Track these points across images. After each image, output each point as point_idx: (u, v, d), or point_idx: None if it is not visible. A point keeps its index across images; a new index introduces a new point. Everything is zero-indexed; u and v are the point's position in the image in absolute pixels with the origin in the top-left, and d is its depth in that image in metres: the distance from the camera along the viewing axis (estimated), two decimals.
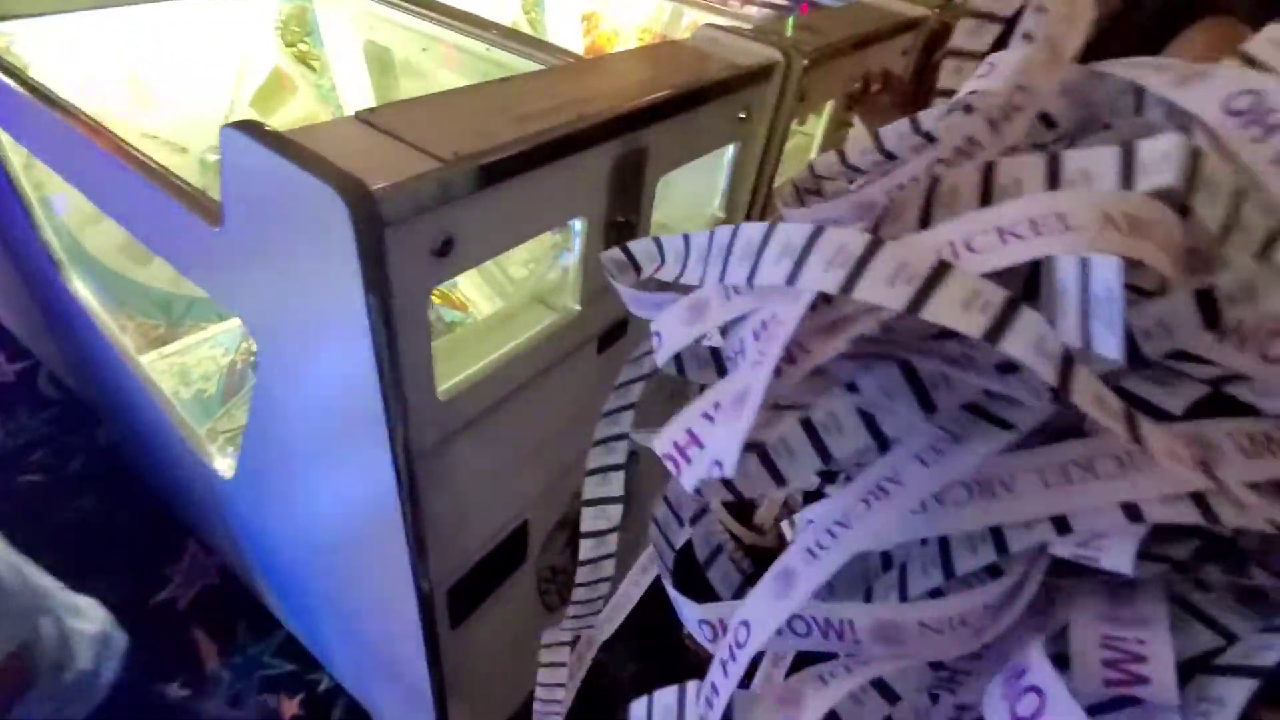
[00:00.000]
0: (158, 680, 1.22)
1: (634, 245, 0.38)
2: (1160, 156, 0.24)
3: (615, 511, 0.47)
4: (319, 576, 0.95)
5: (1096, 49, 0.45)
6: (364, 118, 0.52)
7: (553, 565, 1.06)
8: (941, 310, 0.22)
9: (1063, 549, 0.28)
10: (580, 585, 0.50)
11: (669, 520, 0.44)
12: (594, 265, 0.72)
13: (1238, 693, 0.25)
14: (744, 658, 0.31)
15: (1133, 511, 0.26)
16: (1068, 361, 0.22)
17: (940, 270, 0.23)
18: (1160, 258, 0.23)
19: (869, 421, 0.30)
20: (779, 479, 0.31)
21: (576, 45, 1.44)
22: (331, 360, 0.56)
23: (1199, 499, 0.25)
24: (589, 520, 0.47)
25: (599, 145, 0.61)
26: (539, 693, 0.58)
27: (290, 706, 1.22)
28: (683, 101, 0.71)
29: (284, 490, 0.87)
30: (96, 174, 0.71)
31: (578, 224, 0.67)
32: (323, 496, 0.78)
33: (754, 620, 0.31)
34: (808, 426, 0.31)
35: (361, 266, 0.43)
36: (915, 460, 0.29)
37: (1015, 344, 0.22)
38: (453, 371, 0.63)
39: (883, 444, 0.31)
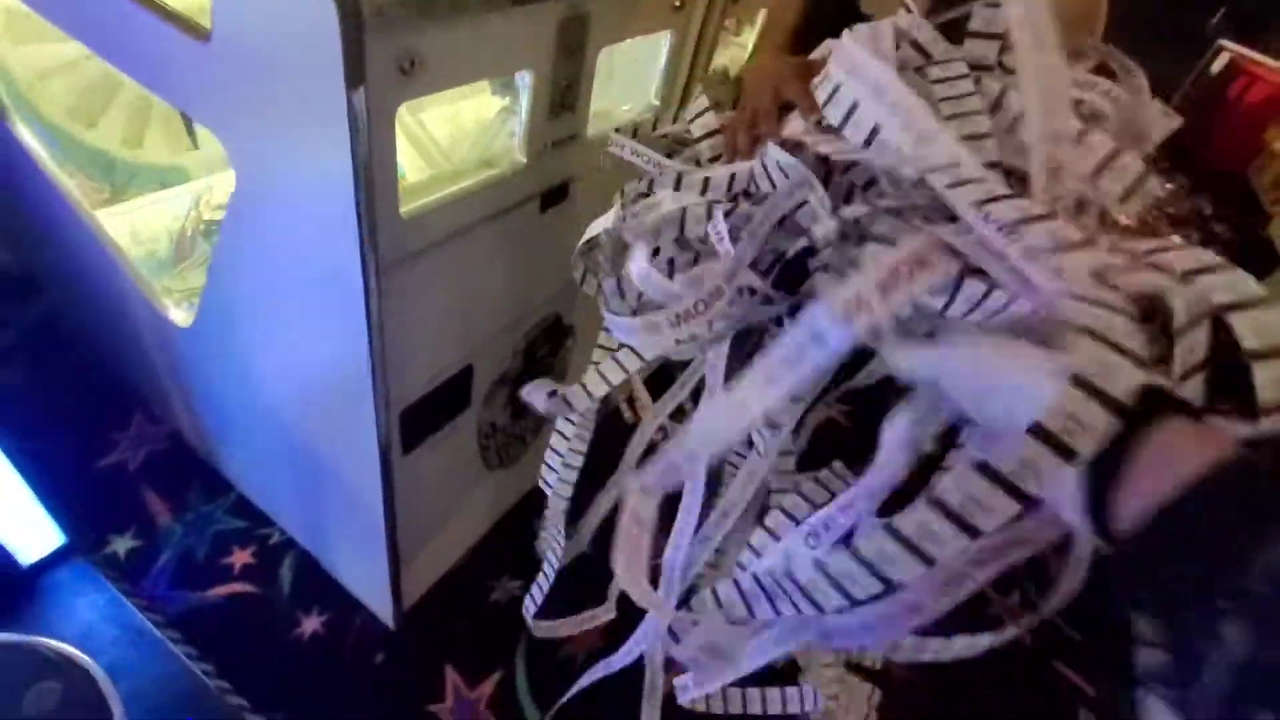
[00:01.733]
0: (109, 532, 1.28)
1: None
2: None
3: None
4: (275, 416, 1.04)
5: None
6: None
7: (493, 421, 1.17)
8: None
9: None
10: None
11: None
12: (539, 123, 0.81)
13: None
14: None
15: None
16: None
17: None
18: None
19: None
20: None
21: None
22: (310, 172, 0.64)
23: None
24: None
25: (547, 1, 0.70)
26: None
27: (242, 556, 1.31)
28: None
29: (246, 331, 0.95)
30: (84, 8, 0.74)
31: (527, 79, 0.76)
32: (289, 327, 0.87)
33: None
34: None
35: (345, 66, 0.52)
36: None
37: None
38: (412, 200, 0.72)
39: None
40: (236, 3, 0.57)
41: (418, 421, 0.92)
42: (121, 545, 1.27)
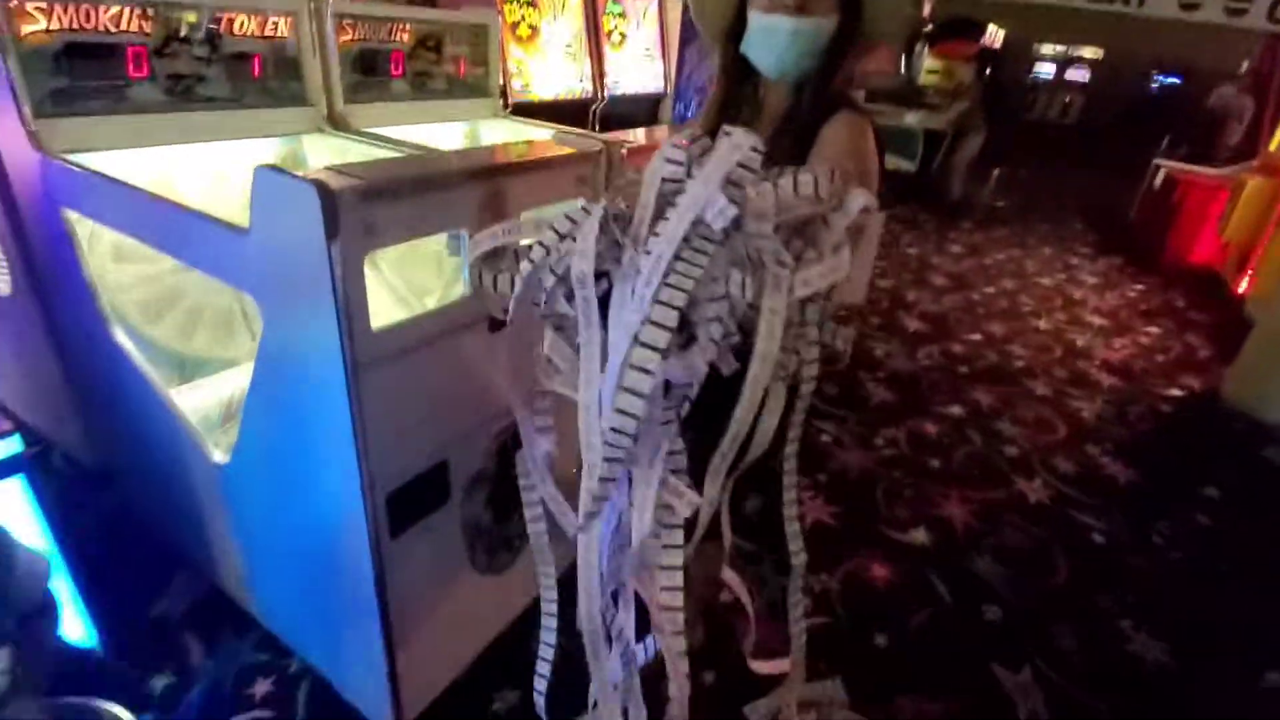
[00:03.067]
0: (150, 673, 1.44)
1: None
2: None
3: None
4: (287, 528, 1.25)
5: (776, 138, 0.92)
6: (332, 168, 0.94)
7: (477, 522, 1.36)
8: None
9: None
10: None
11: None
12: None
13: None
14: None
15: None
16: None
17: None
18: None
19: None
20: None
21: None
22: (306, 307, 0.94)
23: None
24: None
25: (471, 183, 1.04)
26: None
27: (263, 686, 1.44)
28: (531, 165, 1.16)
29: (263, 451, 1.20)
30: (159, 223, 1.12)
31: (465, 235, 1.08)
32: (290, 431, 1.12)
33: None
34: None
35: (325, 227, 0.84)
36: None
37: None
38: (382, 319, 1.01)
39: None
40: (263, 206, 0.91)
41: (402, 506, 1.13)
42: (159, 683, 1.43)
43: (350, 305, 0.91)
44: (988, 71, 10.69)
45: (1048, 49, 15.30)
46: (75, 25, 1.31)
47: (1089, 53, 15.10)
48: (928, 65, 9.23)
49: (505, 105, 2.33)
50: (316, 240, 0.85)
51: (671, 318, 0.67)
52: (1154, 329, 4.05)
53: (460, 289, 1.21)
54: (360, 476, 1.03)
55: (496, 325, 1.21)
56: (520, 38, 2.32)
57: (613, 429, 0.69)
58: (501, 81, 2.22)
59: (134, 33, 1.39)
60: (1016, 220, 6.55)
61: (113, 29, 1.36)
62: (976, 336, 3.66)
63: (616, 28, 2.63)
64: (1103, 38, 14.37)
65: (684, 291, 0.67)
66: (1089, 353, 3.61)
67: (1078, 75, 15.32)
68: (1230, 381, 3.24)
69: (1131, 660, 1.72)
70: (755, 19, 1.03)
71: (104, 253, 1.47)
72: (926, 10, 9.48)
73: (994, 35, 11.73)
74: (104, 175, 1.20)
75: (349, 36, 1.80)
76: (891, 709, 1.52)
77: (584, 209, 0.75)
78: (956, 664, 1.66)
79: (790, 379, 0.81)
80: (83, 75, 1.33)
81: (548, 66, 2.42)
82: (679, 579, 0.80)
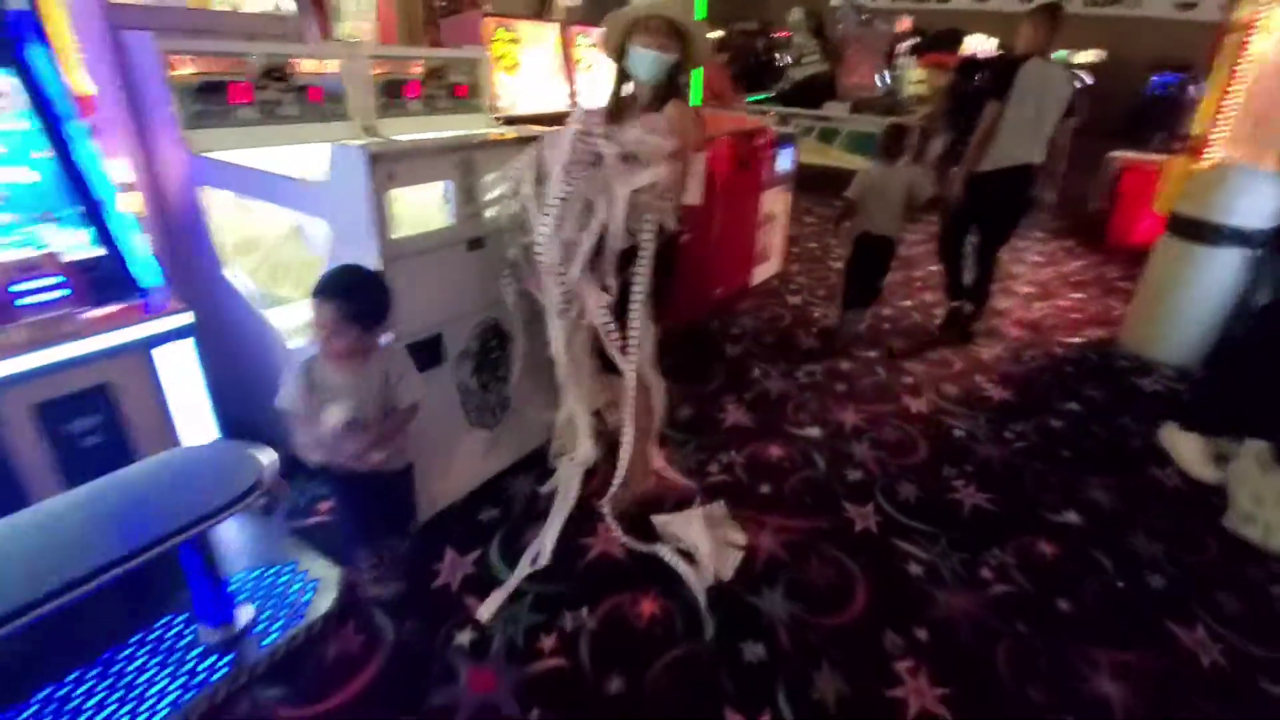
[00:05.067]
0: None
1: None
2: None
3: None
4: None
5: (642, 113, 1.67)
6: (367, 144, 1.64)
7: (466, 385, 2.04)
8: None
9: None
10: None
11: None
12: (458, 206, 1.81)
13: None
14: None
15: None
16: None
17: None
18: None
19: None
20: None
21: None
22: (358, 223, 1.64)
23: None
24: None
25: (451, 153, 1.74)
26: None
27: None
28: (489, 143, 1.86)
29: None
30: (272, 187, 1.85)
31: (451, 185, 1.78)
32: None
33: None
34: None
35: (367, 175, 1.53)
36: None
37: None
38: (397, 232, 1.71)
39: None
40: (337, 166, 1.62)
41: (416, 354, 1.81)
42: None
43: (380, 221, 1.60)
44: (976, 79, 11.32)
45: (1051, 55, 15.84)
46: (207, 69, 2.04)
47: (1089, 56, 15.60)
48: (915, 75, 9.83)
49: (496, 118, 3.04)
50: (363, 182, 1.55)
51: (561, 207, 1.41)
52: (1078, 295, 4.59)
53: (448, 220, 1.90)
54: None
55: (474, 245, 1.90)
56: (506, 67, 3.03)
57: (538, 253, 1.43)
58: (491, 99, 2.94)
59: (240, 73, 2.12)
60: None
61: (227, 71, 2.10)
62: (907, 303, 4.26)
63: (584, 58, 3.35)
64: (1103, 41, 14.86)
65: (570, 189, 1.40)
66: (1007, 313, 4.18)
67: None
68: (1125, 328, 3.79)
69: (955, 504, 2.31)
70: (634, 50, 1.75)
71: (224, 242, 2.20)
72: (909, 24, 10.17)
73: (979, 46, 12.31)
74: (235, 163, 1.93)
75: (378, 71, 2.53)
76: (762, 521, 2.14)
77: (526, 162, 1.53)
78: (819, 501, 2.27)
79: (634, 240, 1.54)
80: (210, 102, 2.07)
81: (529, 87, 3.13)
82: (615, 334, 1.64)
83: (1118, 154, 6.41)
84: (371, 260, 1.64)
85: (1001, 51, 10.94)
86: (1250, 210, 3.19)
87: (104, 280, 1.70)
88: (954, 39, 10.70)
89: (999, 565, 2.02)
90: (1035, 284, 4.80)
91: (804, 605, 1.82)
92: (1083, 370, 3.44)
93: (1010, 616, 1.82)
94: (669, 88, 1.79)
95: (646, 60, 1.73)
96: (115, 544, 1.29)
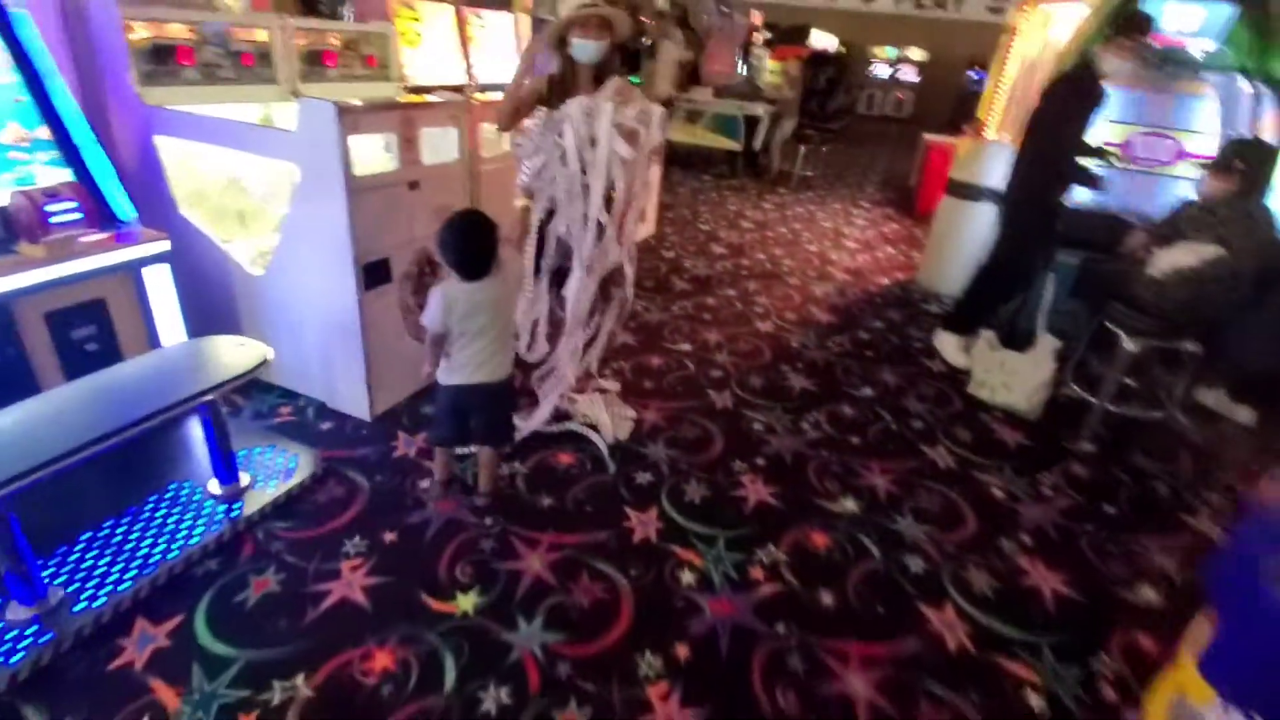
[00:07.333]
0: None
1: None
2: None
3: None
4: (297, 298, 2.36)
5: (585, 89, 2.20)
6: (337, 102, 2.08)
7: (407, 304, 2.51)
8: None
9: None
10: None
11: None
12: (401, 154, 2.29)
13: None
14: None
15: None
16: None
17: None
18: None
19: None
20: None
21: None
22: (329, 163, 2.08)
23: None
24: None
25: (396, 111, 2.21)
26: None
27: (286, 412, 2.52)
28: (426, 106, 2.35)
29: (288, 260, 2.31)
30: (233, 134, 2.22)
31: (394, 138, 2.24)
32: (311, 238, 2.24)
33: None
34: None
35: (338, 123, 1.99)
36: None
37: None
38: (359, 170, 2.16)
39: None
40: (306, 116, 2.04)
41: (369, 274, 2.27)
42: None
43: (346, 161, 2.06)
44: (827, 71, 12.71)
45: (879, 51, 17.82)
46: (157, 35, 2.34)
47: (916, 54, 17.70)
48: (770, 66, 10.88)
49: (404, 87, 3.44)
50: (334, 130, 2.00)
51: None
52: (891, 249, 5.68)
53: (394, 164, 2.35)
54: (352, 250, 2.17)
55: (413, 186, 2.38)
56: (409, 41, 3.43)
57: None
58: (398, 69, 3.35)
59: (186, 38, 2.43)
60: (824, 187, 8.24)
61: (175, 36, 2.40)
62: (761, 256, 5.12)
63: (475, 36, 3.81)
64: (928, 41, 16.95)
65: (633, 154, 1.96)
66: (837, 263, 5.15)
67: (908, 75, 17.96)
68: (920, 270, 4.85)
69: (789, 387, 3.10)
70: (574, 38, 2.26)
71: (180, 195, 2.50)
72: (759, 19, 11.23)
73: (827, 41, 13.76)
74: (192, 112, 2.27)
75: (302, 42, 2.88)
76: (647, 404, 2.80)
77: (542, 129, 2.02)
78: (689, 390, 2.97)
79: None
80: (160, 62, 2.37)
81: (430, 60, 3.55)
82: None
83: (928, 137, 7.73)
84: (338, 192, 2.09)
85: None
86: (999, 175, 4.27)
87: (94, 212, 2.02)
88: (803, 34, 11.97)
89: (815, 423, 2.81)
90: (860, 241, 5.85)
91: (680, 450, 2.50)
92: (887, 300, 4.42)
93: (822, 448, 2.61)
94: (605, 68, 2.33)
95: (589, 49, 2.25)
96: (156, 399, 1.70)
